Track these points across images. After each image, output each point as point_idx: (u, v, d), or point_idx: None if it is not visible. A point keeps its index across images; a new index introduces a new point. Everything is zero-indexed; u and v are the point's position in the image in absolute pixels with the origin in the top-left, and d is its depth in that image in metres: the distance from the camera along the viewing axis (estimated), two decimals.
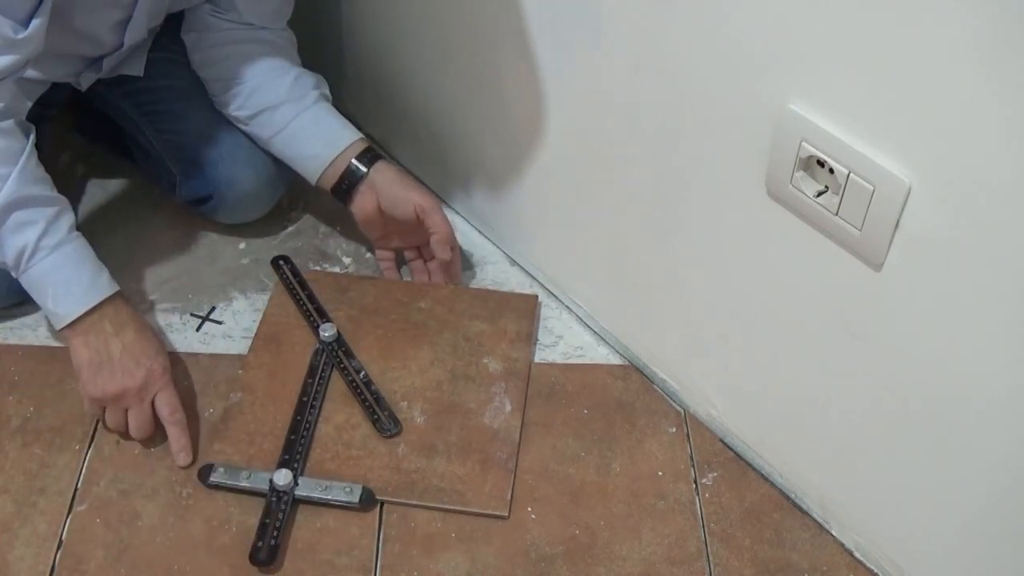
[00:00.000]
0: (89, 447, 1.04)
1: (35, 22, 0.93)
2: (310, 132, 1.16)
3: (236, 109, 1.17)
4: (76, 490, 1.01)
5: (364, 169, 1.15)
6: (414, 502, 1.01)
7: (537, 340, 1.18)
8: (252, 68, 1.16)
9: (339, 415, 1.08)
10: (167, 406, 1.04)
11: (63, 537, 0.97)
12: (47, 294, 1.02)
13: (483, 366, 1.13)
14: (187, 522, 0.99)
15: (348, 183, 1.15)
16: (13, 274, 1.04)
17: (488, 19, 1.07)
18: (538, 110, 1.09)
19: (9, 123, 0.99)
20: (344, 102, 1.43)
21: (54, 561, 0.95)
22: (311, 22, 1.41)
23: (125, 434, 1.05)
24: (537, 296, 1.22)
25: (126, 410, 1.03)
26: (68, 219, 1.03)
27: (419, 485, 1.02)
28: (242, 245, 1.27)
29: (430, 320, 1.17)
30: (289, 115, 1.15)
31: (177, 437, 1.03)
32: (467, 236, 1.30)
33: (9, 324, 1.15)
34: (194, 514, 0.99)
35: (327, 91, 1.20)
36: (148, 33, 1.15)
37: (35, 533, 0.97)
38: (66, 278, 1.03)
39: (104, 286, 1.04)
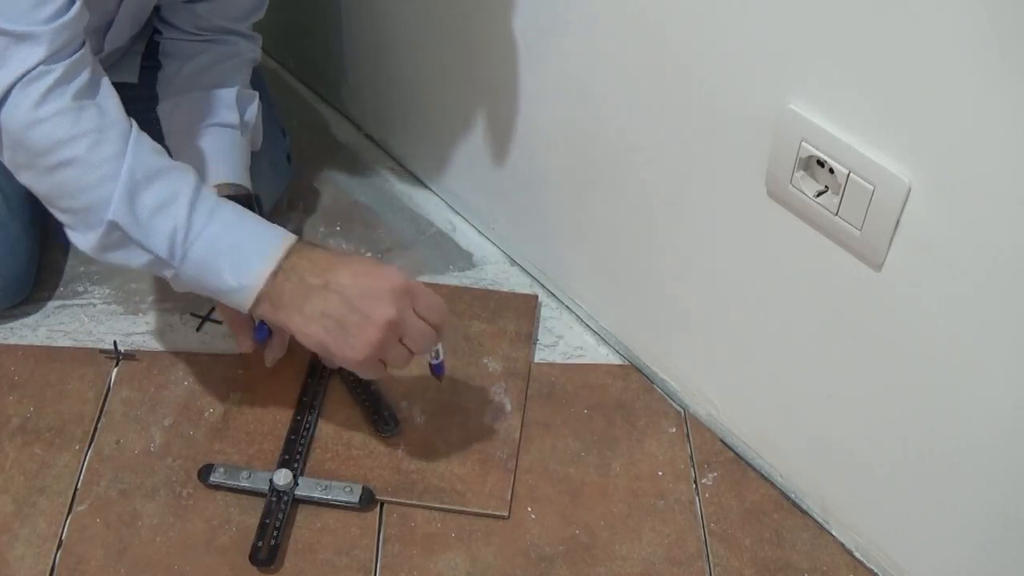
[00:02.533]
0: (89, 447, 1.04)
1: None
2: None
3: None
4: (76, 490, 1.01)
5: None
6: (414, 502, 1.01)
7: (537, 340, 1.18)
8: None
9: (339, 415, 1.08)
10: (435, 311, 0.89)
11: (63, 537, 0.97)
12: (222, 270, 0.85)
13: (483, 366, 1.13)
14: (187, 522, 0.99)
15: None
16: (165, 272, 0.87)
17: (486, 20, 1.08)
18: (538, 110, 1.09)
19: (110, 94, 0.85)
20: (344, 102, 1.44)
21: (54, 561, 0.95)
22: (312, 20, 1.42)
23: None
24: (537, 296, 1.22)
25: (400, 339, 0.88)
26: (204, 183, 0.88)
27: (419, 485, 1.02)
28: None
29: None
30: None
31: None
32: (467, 236, 1.30)
33: (9, 324, 1.15)
34: (194, 514, 0.99)
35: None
36: (129, 39, 1.13)
37: (35, 533, 0.97)
38: (236, 242, 0.86)
39: (279, 231, 0.88)
